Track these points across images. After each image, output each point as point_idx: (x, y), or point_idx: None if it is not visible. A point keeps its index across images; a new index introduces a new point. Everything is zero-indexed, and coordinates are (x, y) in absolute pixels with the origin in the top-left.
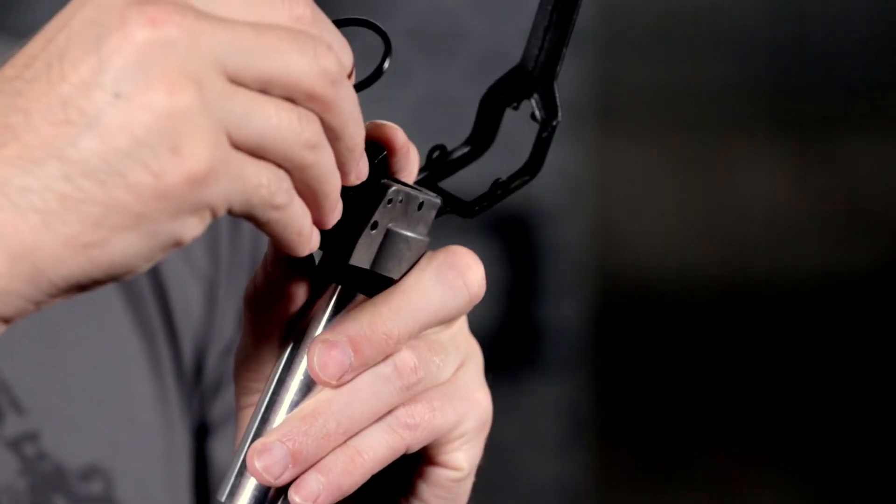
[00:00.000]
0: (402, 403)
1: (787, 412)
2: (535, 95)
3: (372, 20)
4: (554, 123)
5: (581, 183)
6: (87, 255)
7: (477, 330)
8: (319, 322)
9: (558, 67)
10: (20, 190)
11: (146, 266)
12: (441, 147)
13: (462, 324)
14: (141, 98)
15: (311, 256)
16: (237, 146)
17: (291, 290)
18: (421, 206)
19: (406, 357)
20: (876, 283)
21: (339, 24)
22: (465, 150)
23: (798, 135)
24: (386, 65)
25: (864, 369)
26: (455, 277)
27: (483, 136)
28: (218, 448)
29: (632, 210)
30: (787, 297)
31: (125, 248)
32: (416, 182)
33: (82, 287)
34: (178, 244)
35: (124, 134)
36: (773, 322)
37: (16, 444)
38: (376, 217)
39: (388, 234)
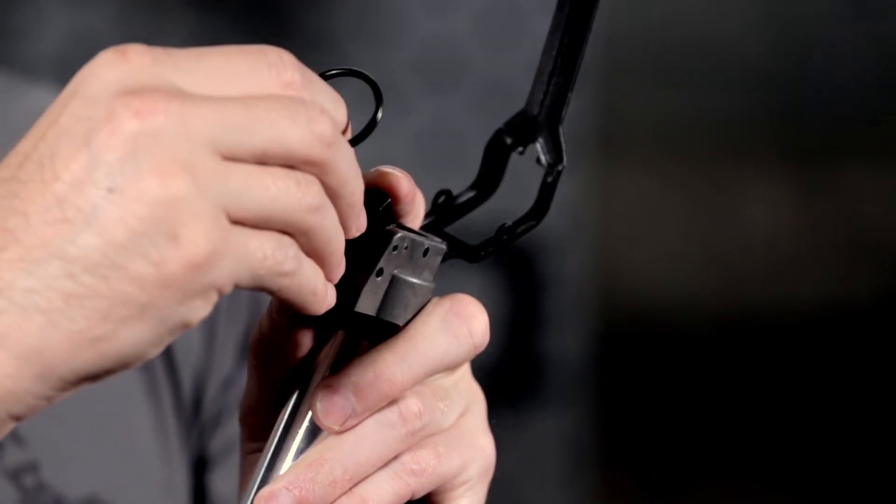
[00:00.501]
0: (407, 449)
1: (789, 441)
2: (540, 140)
3: (362, 70)
4: (559, 168)
5: (583, 213)
6: (95, 349)
7: (479, 361)
8: (324, 369)
9: (563, 112)
10: (24, 292)
11: (156, 351)
12: (447, 192)
13: (465, 369)
14: (134, 190)
15: None
16: (238, 221)
17: (297, 337)
18: (426, 252)
19: (411, 403)
20: (877, 313)
21: (329, 77)
22: (471, 194)
23: (799, 165)
24: (379, 115)
25: (865, 399)
26: (460, 326)
27: (489, 179)
28: (217, 481)
29: (633, 240)
30: (788, 327)
31: (134, 337)
32: (422, 227)
33: (93, 378)
34: (186, 327)
35: (121, 227)
36: (775, 351)
37: (15, 475)
38: (381, 264)
39: (394, 281)
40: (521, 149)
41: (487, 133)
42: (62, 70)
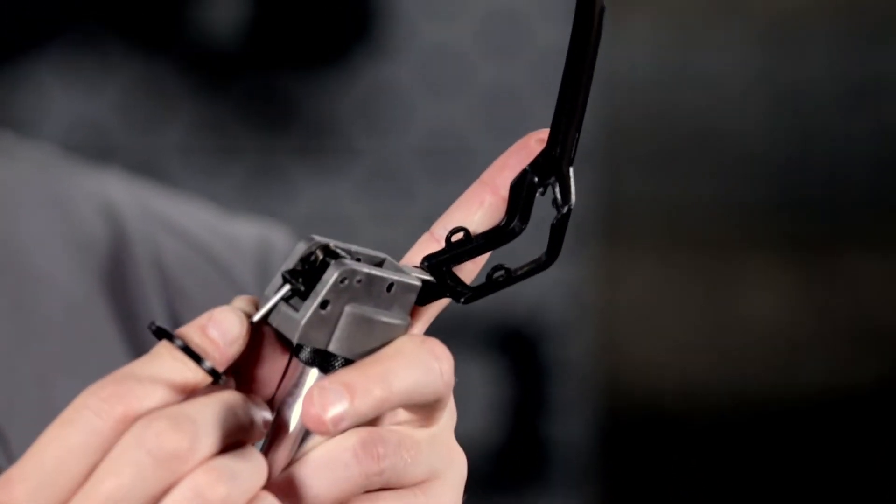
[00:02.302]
0: (356, 499)
1: None
2: (553, 179)
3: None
4: (564, 209)
5: (587, 298)
6: None
7: (483, 446)
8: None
9: (571, 152)
10: None
11: None
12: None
13: (446, 430)
14: None
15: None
16: None
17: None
18: (391, 287)
19: (375, 437)
20: (881, 399)
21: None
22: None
23: (802, 251)
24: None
25: (870, 488)
26: (432, 361)
27: (516, 217)
28: None
29: (637, 326)
30: (793, 413)
31: None
32: (428, 262)
33: None
34: None
35: None
36: (780, 437)
37: None
38: (326, 296)
39: (351, 316)
40: (542, 189)
41: None
42: None
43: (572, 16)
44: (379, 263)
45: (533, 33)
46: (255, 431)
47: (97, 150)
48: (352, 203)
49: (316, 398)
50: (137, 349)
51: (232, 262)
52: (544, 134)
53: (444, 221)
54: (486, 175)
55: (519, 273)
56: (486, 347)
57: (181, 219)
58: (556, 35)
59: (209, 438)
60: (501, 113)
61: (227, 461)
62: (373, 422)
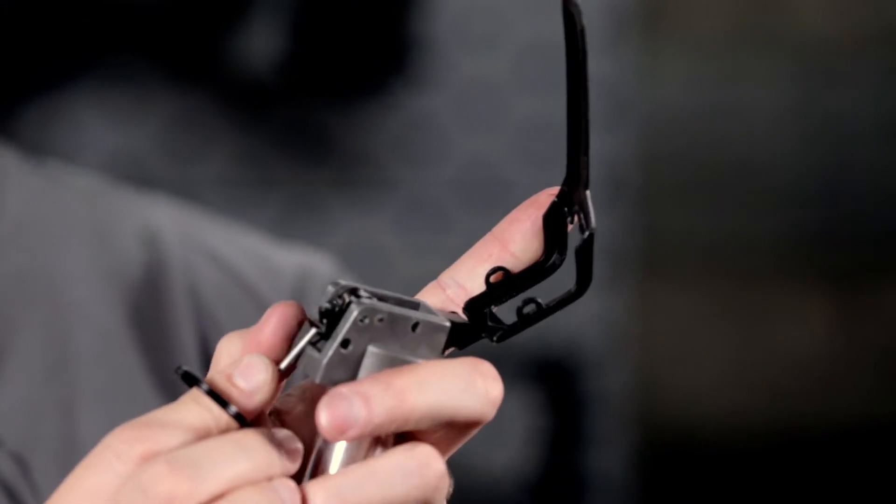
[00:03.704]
0: None
1: None
2: (577, 207)
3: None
4: (585, 235)
5: (624, 331)
6: None
7: (521, 477)
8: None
9: (585, 176)
10: None
11: None
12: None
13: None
14: None
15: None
16: None
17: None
18: (416, 326)
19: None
20: None
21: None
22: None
23: (838, 283)
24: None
25: None
26: (480, 380)
27: (552, 249)
28: None
29: (674, 358)
30: (831, 443)
31: None
32: (470, 307)
33: None
34: None
35: None
36: (818, 468)
37: None
38: (346, 335)
39: (376, 356)
40: (570, 218)
41: None
42: None
43: (607, 48)
44: (413, 308)
45: None
46: (284, 467)
47: (135, 181)
48: (388, 235)
49: (327, 403)
50: (165, 380)
51: (267, 292)
52: (555, 190)
53: (453, 272)
54: (497, 229)
55: (551, 305)
56: (523, 379)
57: (221, 246)
58: (591, 67)
59: (214, 479)
60: (537, 145)
61: (244, 498)
62: (418, 433)
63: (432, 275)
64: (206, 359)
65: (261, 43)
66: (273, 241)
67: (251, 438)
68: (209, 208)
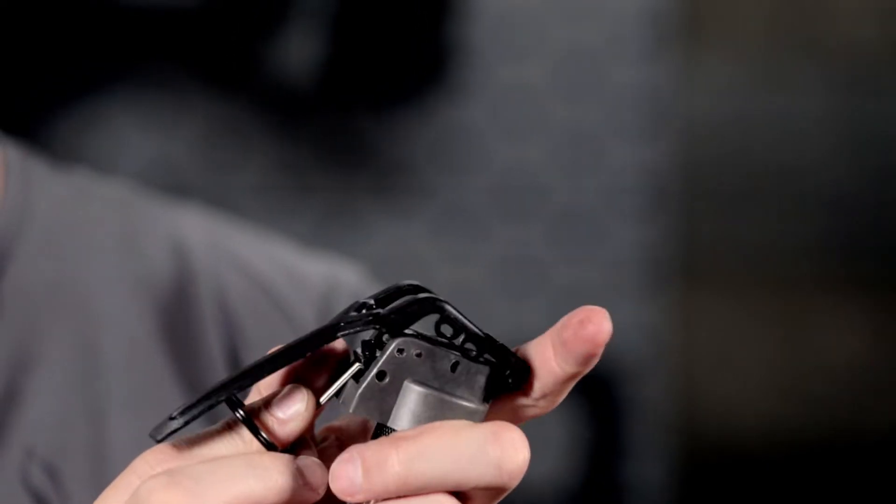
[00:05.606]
0: None
1: None
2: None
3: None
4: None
5: (664, 339)
6: None
7: (560, 487)
8: None
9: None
10: None
11: None
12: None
13: None
14: None
15: None
16: None
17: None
18: (455, 366)
19: None
20: None
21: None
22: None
23: (879, 292)
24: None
25: None
26: (488, 446)
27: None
28: None
29: (715, 366)
30: (871, 454)
31: None
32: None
33: None
34: None
35: None
36: (858, 479)
37: None
38: (383, 366)
39: (409, 391)
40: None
41: (565, 260)
42: None
43: (647, 55)
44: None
45: (607, 73)
46: (301, 494)
47: (172, 189)
48: (425, 243)
49: (334, 467)
50: (192, 388)
51: (294, 303)
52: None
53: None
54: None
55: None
56: None
57: (250, 256)
58: (629, 75)
59: (213, 496)
60: (575, 152)
61: None
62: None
63: (469, 285)
64: (233, 368)
65: (298, 50)
66: (302, 251)
67: (269, 461)
68: (246, 216)
